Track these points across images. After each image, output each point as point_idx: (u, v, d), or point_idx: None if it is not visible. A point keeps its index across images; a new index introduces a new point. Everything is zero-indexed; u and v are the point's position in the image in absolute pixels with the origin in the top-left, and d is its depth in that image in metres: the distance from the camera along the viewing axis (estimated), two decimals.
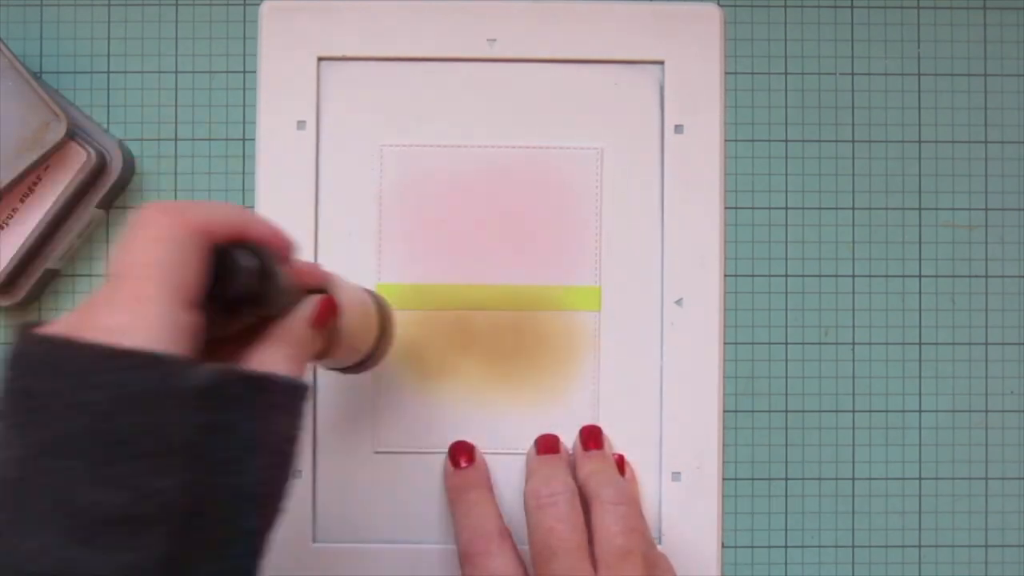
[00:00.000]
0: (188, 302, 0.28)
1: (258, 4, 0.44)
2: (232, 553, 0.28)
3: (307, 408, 0.31)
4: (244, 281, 0.29)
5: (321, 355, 0.35)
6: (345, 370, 0.39)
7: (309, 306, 0.32)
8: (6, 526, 0.26)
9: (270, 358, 0.30)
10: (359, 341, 0.37)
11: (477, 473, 0.43)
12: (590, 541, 0.38)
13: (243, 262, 0.29)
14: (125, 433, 0.26)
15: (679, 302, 0.44)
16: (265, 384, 0.29)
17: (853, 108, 0.45)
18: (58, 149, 0.41)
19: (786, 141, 0.45)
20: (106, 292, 0.27)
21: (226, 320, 0.30)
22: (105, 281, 0.28)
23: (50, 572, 0.25)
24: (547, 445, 0.43)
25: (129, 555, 0.25)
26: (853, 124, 0.45)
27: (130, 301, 0.27)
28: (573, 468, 0.42)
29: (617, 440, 0.44)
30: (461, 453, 0.43)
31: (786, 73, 0.45)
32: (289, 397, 0.30)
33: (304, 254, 0.43)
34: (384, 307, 0.40)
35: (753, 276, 0.45)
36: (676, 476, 0.44)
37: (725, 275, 0.44)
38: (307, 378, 0.31)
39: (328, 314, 0.33)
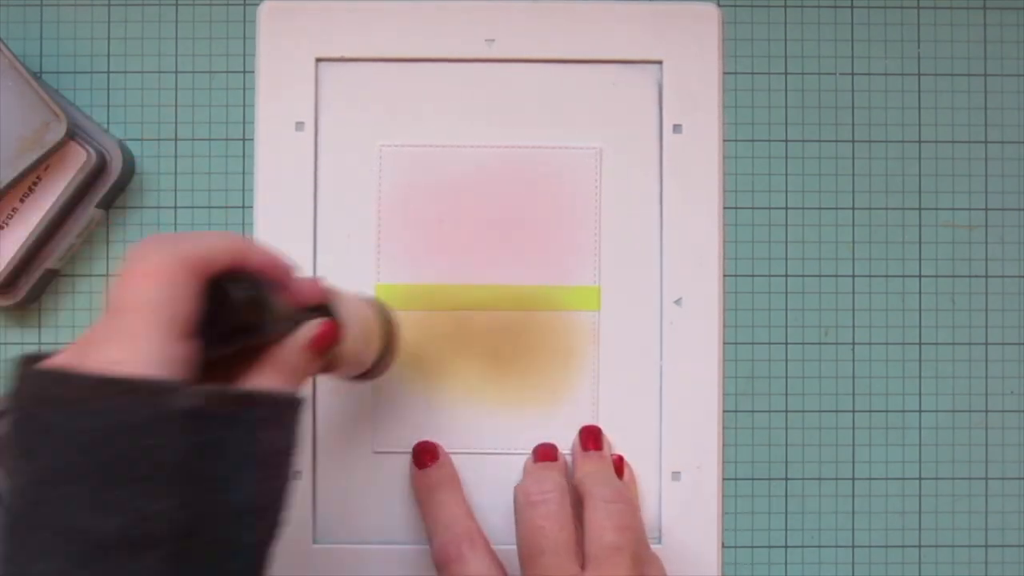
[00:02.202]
0: (181, 334, 0.29)
1: (257, 4, 0.44)
2: (232, 568, 0.29)
3: (302, 420, 0.32)
4: (238, 313, 0.30)
5: (323, 371, 0.36)
6: (350, 379, 0.39)
7: (308, 331, 0.33)
8: (17, 552, 0.27)
9: (266, 381, 0.31)
10: (362, 355, 0.38)
11: (443, 471, 0.43)
12: (582, 539, 0.37)
13: (236, 295, 0.30)
14: (118, 458, 0.26)
15: (678, 302, 0.44)
16: (254, 400, 0.30)
17: (853, 108, 0.45)
18: (58, 149, 0.41)
19: (786, 141, 0.45)
20: (102, 327, 0.28)
21: (224, 345, 0.31)
22: (103, 314, 0.29)
23: None
24: (544, 454, 0.43)
25: None
26: (853, 124, 0.45)
27: (124, 336, 0.28)
28: (569, 471, 0.42)
29: (617, 440, 0.44)
30: (425, 453, 0.43)
31: (786, 73, 0.45)
32: (281, 411, 0.31)
33: (304, 255, 0.43)
34: (389, 318, 0.40)
35: (753, 276, 0.45)
36: (676, 476, 0.44)
37: (725, 275, 0.44)
38: (302, 392, 0.32)
39: (328, 339, 0.34)
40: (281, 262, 0.33)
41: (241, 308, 0.30)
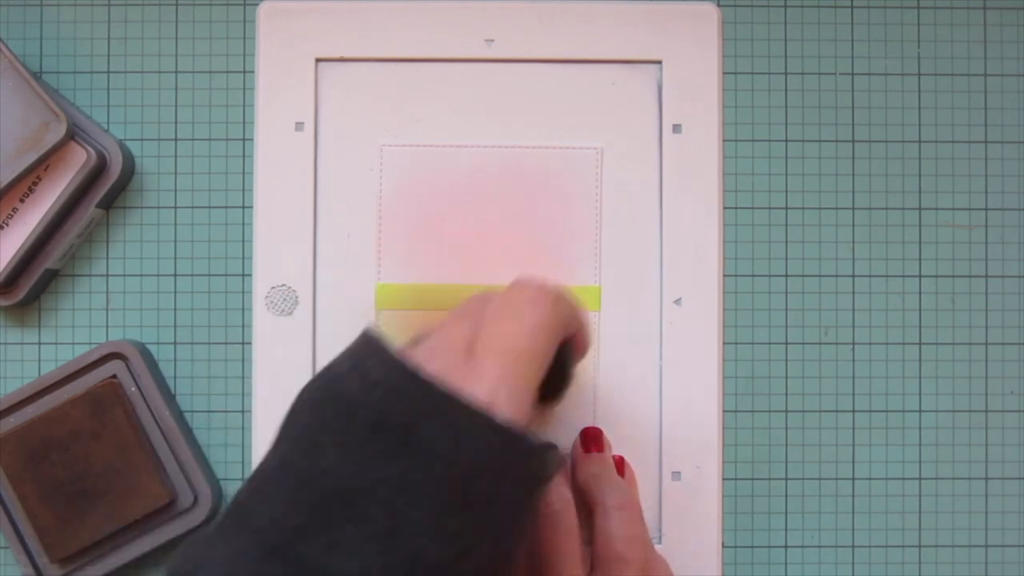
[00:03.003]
0: (536, 390, 0.31)
1: (257, 4, 0.44)
2: None
3: None
4: (559, 376, 0.33)
5: None
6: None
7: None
8: (322, 534, 0.27)
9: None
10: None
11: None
12: (589, 541, 0.38)
13: (568, 361, 0.33)
14: (478, 495, 0.28)
15: (678, 302, 0.44)
16: (561, 464, 0.32)
17: (853, 108, 0.45)
18: (58, 149, 0.41)
19: (786, 141, 0.45)
20: (471, 358, 0.30)
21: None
22: (459, 337, 0.31)
23: None
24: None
25: None
26: (853, 124, 0.45)
27: (503, 379, 0.29)
28: (570, 472, 0.42)
29: (617, 440, 0.44)
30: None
31: (786, 73, 0.45)
32: None
33: (304, 255, 0.43)
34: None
35: (753, 276, 0.45)
36: (676, 476, 0.43)
37: (725, 275, 0.44)
38: None
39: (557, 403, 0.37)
40: (590, 340, 0.36)
41: (562, 372, 0.33)
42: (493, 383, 0.29)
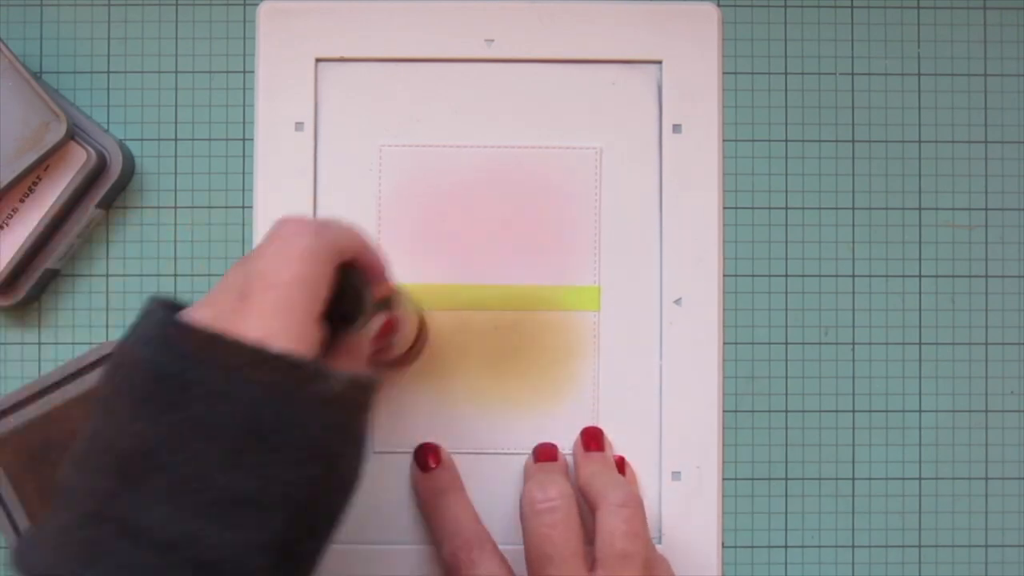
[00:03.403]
0: (318, 316, 0.31)
1: (257, 4, 0.44)
2: (329, 537, 0.31)
3: None
4: (350, 302, 0.33)
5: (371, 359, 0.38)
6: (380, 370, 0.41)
7: (377, 323, 0.36)
8: (129, 493, 0.28)
9: (343, 366, 0.33)
10: (402, 347, 0.40)
11: (446, 474, 0.43)
12: (591, 541, 0.38)
13: (356, 286, 0.33)
14: (265, 427, 0.28)
15: (678, 302, 0.44)
16: (373, 387, 0.32)
17: (853, 108, 0.45)
18: (58, 149, 0.41)
19: (786, 141, 0.45)
20: (249, 298, 0.30)
21: (326, 330, 0.33)
22: (233, 284, 0.31)
23: (175, 541, 0.27)
24: (545, 454, 0.43)
25: (248, 534, 0.28)
26: (853, 124, 0.45)
27: (274, 310, 0.30)
28: (571, 472, 0.42)
29: (617, 440, 0.44)
30: (427, 455, 0.43)
31: (786, 73, 0.45)
32: (375, 398, 0.33)
33: None
34: (420, 311, 0.42)
35: (753, 276, 0.45)
36: (676, 476, 0.44)
37: (724, 275, 0.44)
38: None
39: (389, 333, 0.37)
40: (384, 260, 0.36)
41: (355, 298, 0.33)
42: (264, 319, 0.29)
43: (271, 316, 0.30)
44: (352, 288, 0.33)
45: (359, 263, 0.34)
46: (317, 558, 0.31)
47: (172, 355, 0.29)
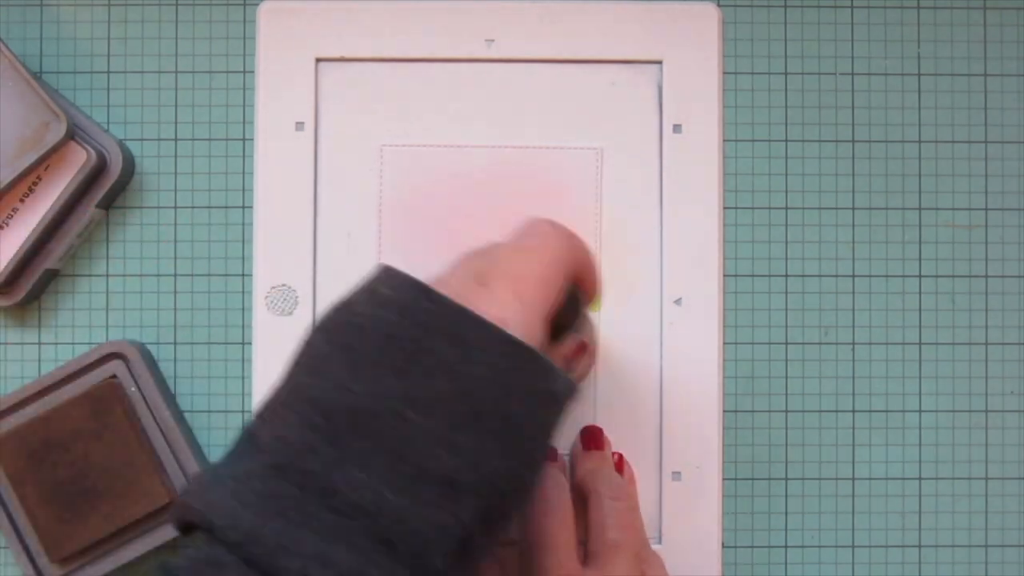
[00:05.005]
0: (546, 318, 0.31)
1: (257, 4, 0.45)
2: (497, 539, 0.30)
3: None
4: (566, 316, 0.34)
5: None
6: None
7: (572, 341, 0.37)
8: (326, 449, 0.27)
9: None
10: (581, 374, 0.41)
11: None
12: (583, 536, 0.38)
13: (581, 302, 0.35)
14: (487, 409, 0.28)
15: (678, 302, 0.44)
16: (577, 399, 0.32)
17: (853, 108, 0.45)
18: (58, 149, 0.41)
19: (786, 141, 0.45)
20: (481, 283, 0.30)
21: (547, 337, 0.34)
22: (470, 269, 0.31)
23: (363, 505, 0.26)
24: None
25: (438, 514, 0.27)
26: (853, 124, 0.45)
27: (512, 300, 0.30)
28: (569, 470, 0.42)
29: (617, 440, 0.44)
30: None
31: (786, 73, 0.45)
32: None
33: (304, 255, 0.43)
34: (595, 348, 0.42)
35: (753, 276, 0.45)
36: (676, 476, 0.43)
37: (725, 275, 0.44)
38: None
39: (579, 355, 0.38)
40: (600, 288, 0.37)
41: (570, 313, 0.34)
42: (504, 304, 0.30)
43: (510, 304, 0.30)
44: (572, 302, 0.34)
45: (582, 282, 0.34)
46: (483, 558, 0.30)
47: (411, 321, 0.28)
